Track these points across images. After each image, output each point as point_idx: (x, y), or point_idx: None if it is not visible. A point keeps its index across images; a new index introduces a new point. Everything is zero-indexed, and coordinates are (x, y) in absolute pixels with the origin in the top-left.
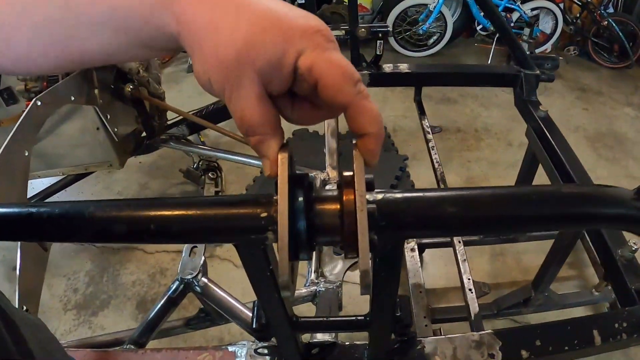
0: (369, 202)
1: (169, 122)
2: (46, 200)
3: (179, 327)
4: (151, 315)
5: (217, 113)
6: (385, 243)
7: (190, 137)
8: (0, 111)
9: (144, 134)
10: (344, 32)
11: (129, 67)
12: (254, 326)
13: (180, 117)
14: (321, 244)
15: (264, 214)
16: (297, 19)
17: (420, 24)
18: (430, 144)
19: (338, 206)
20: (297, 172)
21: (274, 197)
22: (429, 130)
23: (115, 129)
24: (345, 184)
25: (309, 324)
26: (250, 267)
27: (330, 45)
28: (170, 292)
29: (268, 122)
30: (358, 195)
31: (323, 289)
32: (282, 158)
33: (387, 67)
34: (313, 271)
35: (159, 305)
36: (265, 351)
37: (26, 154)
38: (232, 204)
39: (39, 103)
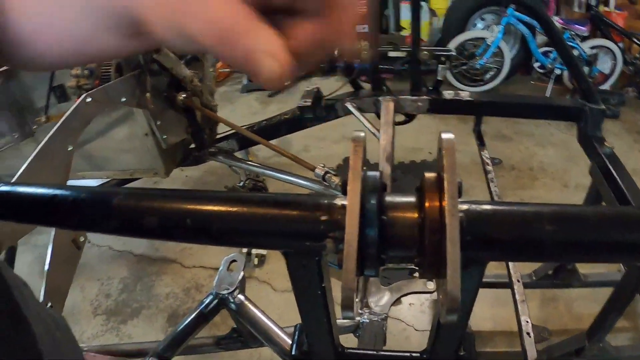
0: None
1: (219, 136)
2: None
3: (208, 346)
4: (179, 329)
5: (269, 129)
6: (467, 264)
7: (238, 155)
8: (52, 108)
9: (193, 145)
10: (405, 53)
11: (182, 75)
12: (293, 353)
13: (231, 131)
14: (393, 258)
15: (324, 217)
16: None
17: (477, 58)
18: (490, 176)
19: (416, 214)
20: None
21: (338, 200)
22: (489, 161)
23: (164, 137)
24: (428, 186)
25: (357, 356)
26: (299, 281)
27: None
28: (202, 307)
29: (246, 14)
30: (449, 198)
31: (367, 320)
32: (357, 146)
33: (448, 94)
34: (358, 300)
35: (189, 319)
36: None
37: (69, 148)
38: (287, 204)
39: (89, 100)
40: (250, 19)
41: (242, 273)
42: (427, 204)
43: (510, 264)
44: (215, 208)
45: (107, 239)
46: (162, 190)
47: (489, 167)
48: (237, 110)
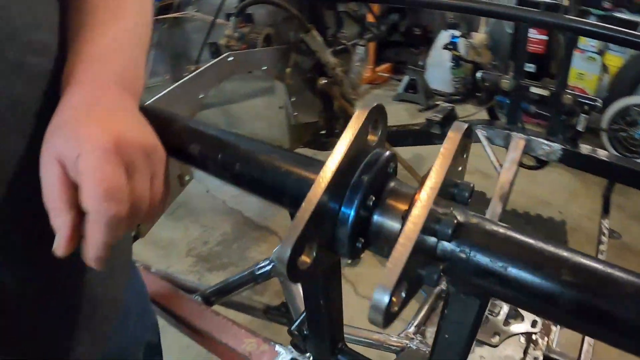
0: (438, 213)
1: None
2: None
3: (255, 310)
4: (229, 281)
5: (397, 136)
6: (460, 289)
7: None
8: (204, 62)
9: (323, 131)
10: (548, 92)
11: (326, 60)
12: (292, 328)
13: None
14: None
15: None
16: (88, 125)
17: (638, 127)
18: (601, 247)
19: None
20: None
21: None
22: (606, 231)
23: (295, 113)
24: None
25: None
26: None
27: (105, 155)
28: (256, 267)
29: (62, 198)
30: (427, 188)
31: (414, 347)
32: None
33: (585, 149)
34: (415, 324)
35: (240, 275)
36: None
37: (200, 96)
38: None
39: (230, 58)
40: (62, 201)
41: None
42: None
43: None
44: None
45: (225, 193)
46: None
47: (604, 239)
48: None
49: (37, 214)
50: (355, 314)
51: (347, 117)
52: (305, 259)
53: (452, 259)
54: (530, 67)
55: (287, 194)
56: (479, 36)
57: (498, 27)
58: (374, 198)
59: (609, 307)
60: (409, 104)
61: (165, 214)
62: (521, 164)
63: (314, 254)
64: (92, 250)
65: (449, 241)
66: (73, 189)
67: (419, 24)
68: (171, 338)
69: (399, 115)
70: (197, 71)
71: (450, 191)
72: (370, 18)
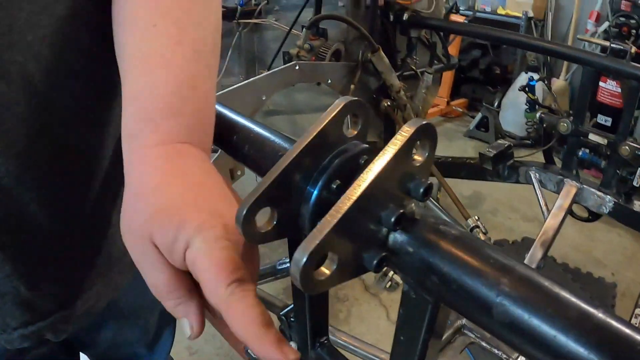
0: (385, 199)
1: None
2: None
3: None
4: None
5: (450, 167)
6: (411, 286)
7: None
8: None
9: None
10: (606, 141)
11: (391, 82)
12: (281, 313)
13: None
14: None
15: None
16: (192, 210)
17: None
18: (637, 311)
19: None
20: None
21: None
22: None
23: None
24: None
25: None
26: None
27: (218, 243)
28: (277, 263)
29: (179, 287)
30: (370, 170)
31: None
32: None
33: (638, 206)
34: None
35: (262, 268)
36: None
37: (263, 97)
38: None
39: (297, 67)
40: (181, 291)
41: None
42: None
43: None
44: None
45: None
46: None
47: None
48: (449, 149)
49: (74, 160)
50: (382, 338)
51: None
52: (266, 224)
53: (401, 252)
54: (605, 120)
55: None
56: (558, 82)
57: (579, 77)
58: (339, 182)
59: (541, 326)
60: (478, 142)
61: None
62: (572, 214)
63: (275, 221)
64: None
65: (394, 230)
66: (182, 273)
67: (499, 62)
68: None
69: (466, 151)
70: (264, 74)
71: (406, 186)
72: (452, 51)
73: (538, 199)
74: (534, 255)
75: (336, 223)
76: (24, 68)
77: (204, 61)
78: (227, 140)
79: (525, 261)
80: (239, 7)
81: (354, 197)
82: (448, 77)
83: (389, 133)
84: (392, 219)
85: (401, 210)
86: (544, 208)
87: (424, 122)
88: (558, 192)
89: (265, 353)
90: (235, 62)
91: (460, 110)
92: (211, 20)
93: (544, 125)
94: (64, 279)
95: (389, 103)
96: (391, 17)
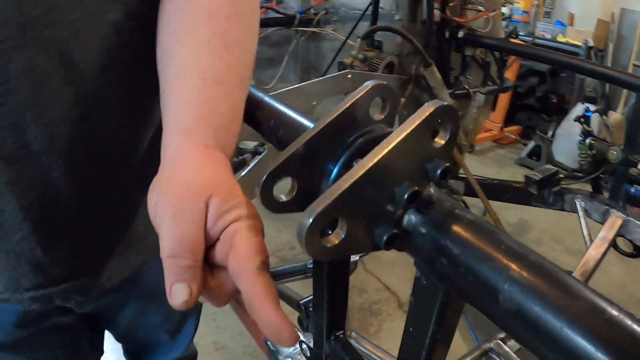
0: (400, 176)
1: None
2: None
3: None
4: (282, 267)
5: (495, 189)
6: (423, 271)
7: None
8: None
9: None
10: None
11: (442, 98)
12: (301, 302)
13: (464, 175)
14: None
15: None
16: (244, 197)
17: None
18: None
19: None
20: None
21: None
22: None
23: None
24: None
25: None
26: None
27: (259, 224)
28: (309, 262)
29: (199, 250)
30: (385, 143)
31: None
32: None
33: None
34: None
35: (293, 265)
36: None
37: (313, 103)
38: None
39: (349, 76)
40: (201, 256)
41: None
42: None
43: None
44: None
45: None
46: None
47: None
48: (498, 175)
49: (106, 142)
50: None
51: (453, 162)
52: (287, 194)
53: (414, 233)
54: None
55: None
56: (615, 116)
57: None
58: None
59: (548, 316)
60: (528, 170)
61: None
62: (616, 247)
63: (295, 192)
64: (217, 304)
65: (407, 208)
66: (204, 243)
67: (556, 91)
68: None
69: (516, 178)
70: (315, 80)
71: (425, 167)
72: (509, 76)
73: (582, 227)
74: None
75: (346, 189)
76: (63, 45)
77: (244, 86)
78: (253, 115)
79: None
80: (298, 14)
81: (367, 167)
82: (503, 102)
83: None
84: (405, 195)
85: (415, 188)
86: (587, 238)
87: (444, 104)
88: (603, 223)
89: (275, 322)
90: (290, 68)
91: (514, 137)
92: (253, 50)
93: (594, 152)
94: (80, 250)
95: None
96: (447, 34)
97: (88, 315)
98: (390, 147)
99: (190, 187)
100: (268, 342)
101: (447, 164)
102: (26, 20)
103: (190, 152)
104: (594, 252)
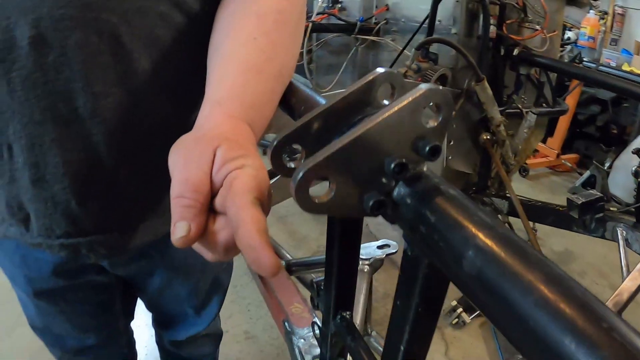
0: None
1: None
2: None
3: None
4: (312, 258)
5: (537, 211)
6: (409, 242)
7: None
8: None
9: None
10: None
11: (492, 115)
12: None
13: (508, 194)
14: None
15: None
16: (255, 151)
17: None
18: None
19: None
20: None
21: None
22: None
23: (449, 157)
24: None
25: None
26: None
27: (262, 174)
28: None
29: (202, 191)
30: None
31: None
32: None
33: None
34: None
35: (322, 257)
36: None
37: None
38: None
39: None
40: (205, 198)
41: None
42: None
43: None
44: None
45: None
46: None
47: None
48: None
49: (148, 116)
50: None
51: (499, 182)
52: (297, 162)
53: (401, 203)
54: None
55: None
56: None
57: None
58: None
59: (502, 282)
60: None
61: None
62: None
63: (303, 160)
64: (214, 252)
65: (395, 179)
66: (210, 188)
67: (617, 121)
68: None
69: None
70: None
71: (417, 145)
72: (570, 103)
73: (620, 257)
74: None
75: (335, 151)
76: (115, 29)
77: (282, 80)
78: (288, 102)
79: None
80: (358, 22)
81: (356, 134)
82: (562, 129)
83: (485, 168)
84: (392, 165)
85: (403, 160)
86: (624, 268)
87: (438, 87)
88: None
89: (255, 245)
90: (348, 75)
91: (570, 165)
92: (295, 52)
93: (638, 179)
94: (110, 208)
95: (488, 137)
96: (502, 51)
97: (121, 279)
98: (379, 119)
99: (203, 138)
100: (285, 323)
101: (437, 143)
102: (85, 4)
103: (216, 118)
104: (630, 283)
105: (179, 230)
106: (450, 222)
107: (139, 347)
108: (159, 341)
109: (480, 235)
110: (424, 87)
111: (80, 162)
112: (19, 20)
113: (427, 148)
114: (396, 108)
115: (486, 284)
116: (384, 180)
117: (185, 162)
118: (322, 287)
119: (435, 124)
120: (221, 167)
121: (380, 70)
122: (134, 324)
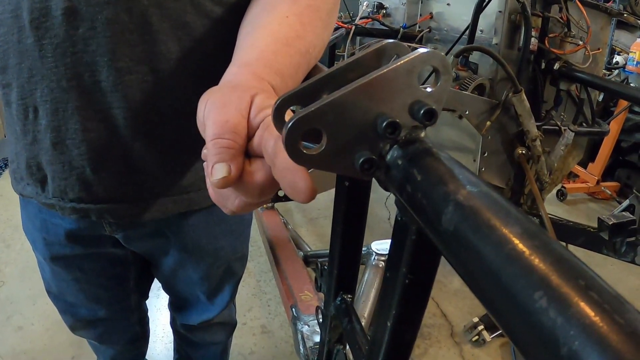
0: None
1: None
2: None
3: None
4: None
5: (567, 231)
6: (398, 207)
7: None
8: None
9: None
10: None
11: (528, 128)
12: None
13: (540, 212)
14: None
15: None
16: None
17: None
18: None
19: None
20: None
21: None
22: None
23: (482, 169)
24: None
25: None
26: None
27: None
28: None
29: (241, 134)
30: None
31: None
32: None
33: None
34: None
35: None
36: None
37: None
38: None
39: None
40: (244, 139)
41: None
42: None
43: None
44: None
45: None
46: None
47: None
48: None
49: (169, 95)
50: None
51: (533, 200)
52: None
53: (392, 165)
54: None
55: None
56: None
57: None
58: None
59: (477, 238)
60: None
61: None
62: None
63: None
64: (249, 194)
65: (388, 140)
66: (247, 130)
67: None
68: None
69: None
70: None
71: (413, 109)
72: (614, 129)
73: None
74: None
75: (325, 103)
76: (145, 10)
77: (308, 57)
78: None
79: None
80: (401, 29)
81: (352, 87)
82: (603, 155)
83: (518, 183)
84: (384, 124)
85: (396, 120)
86: None
87: (436, 52)
88: None
89: (291, 168)
90: None
91: (609, 193)
92: (324, 37)
93: None
94: (123, 180)
95: (523, 152)
96: (542, 65)
97: (139, 257)
98: (374, 76)
99: (240, 86)
100: (293, 309)
101: (433, 107)
102: None
103: (246, 75)
104: None
105: (218, 171)
106: (434, 179)
107: (159, 327)
108: (173, 324)
109: (463, 191)
110: (421, 49)
111: (99, 132)
112: None
113: (422, 111)
114: (392, 67)
115: (461, 239)
116: (379, 143)
117: (223, 104)
118: (325, 267)
119: (433, 89)
120: (258, 112)
121: (388, 40)
122: (155, 305)
